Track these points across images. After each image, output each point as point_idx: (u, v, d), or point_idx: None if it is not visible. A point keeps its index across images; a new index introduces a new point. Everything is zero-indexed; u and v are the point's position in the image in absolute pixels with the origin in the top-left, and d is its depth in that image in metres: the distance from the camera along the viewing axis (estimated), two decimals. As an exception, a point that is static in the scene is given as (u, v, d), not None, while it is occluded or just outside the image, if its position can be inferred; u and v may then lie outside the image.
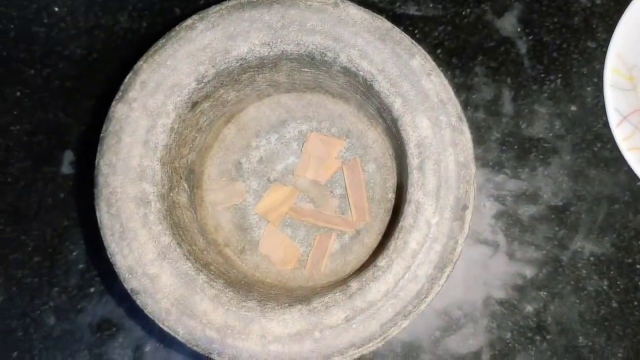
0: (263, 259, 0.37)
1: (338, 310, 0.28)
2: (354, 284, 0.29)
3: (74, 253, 0.41)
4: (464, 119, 0.29)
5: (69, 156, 0.41)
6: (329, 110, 0.37)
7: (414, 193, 0.29)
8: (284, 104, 0.38)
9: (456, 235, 0.28)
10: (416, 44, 0.29)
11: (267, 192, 0.37)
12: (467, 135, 0.29)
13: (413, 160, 0.29)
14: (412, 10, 0.41)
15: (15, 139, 0.41)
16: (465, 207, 0.28)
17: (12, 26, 0.42)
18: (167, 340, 0.40)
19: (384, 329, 0.28)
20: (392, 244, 0.29)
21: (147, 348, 0.40)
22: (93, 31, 0.42)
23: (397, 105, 0.29)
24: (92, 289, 0.41)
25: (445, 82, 0.29)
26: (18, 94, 0.41)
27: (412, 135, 0.29)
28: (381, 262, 0.29)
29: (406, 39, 0.29)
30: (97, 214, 0.30)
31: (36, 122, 0.41)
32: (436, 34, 0.41)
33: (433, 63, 0.29)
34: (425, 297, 0.28)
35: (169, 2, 0.42)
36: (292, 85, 0.36)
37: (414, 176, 0.29)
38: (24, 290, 0.40)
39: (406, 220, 0.29)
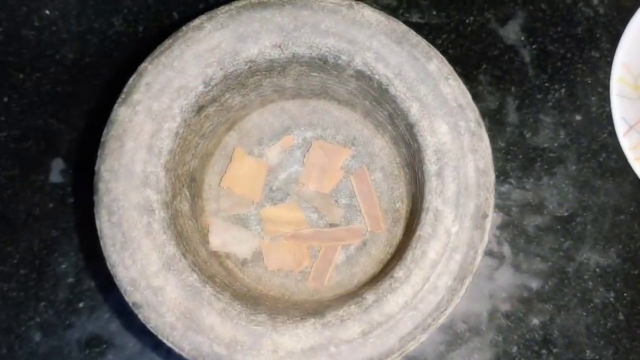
0: (265, 271, 0.35)
1: (354, 324, 0.27)
2: (370, 296, 0.27)
3: (63, 266, 0.39)
4: (483, 124, 0.28)
5: (58, 164, 0.39)
6: (334, 117, 0.36)
7: (432, 201, 0.28)
8: (287, 111, 0.36)
9: (476, 245, 0.27)
10: (433, 47, 0.29)
11: (280, 205, 0.36)
12: (486, 142, 0.28)
13: (431, 167, 0.28)
14: (416, 18, 0.40)
15: (3, 146, 0.39)
16: (485, 215, 0.27)
17: (1, 29, 0.40)
18: (159, 358, 0.38)
19: (403, 343, 0.27)
20: (410, 254, 0.28)
21: (140, 366, 0.38)
22: (86, 35, 0.40)
23: (414, 110, 0.28)
24: (81, 304, 0.39)
25: (463, 86, 0.28)
26: (6, 99, 0.39)
27: (430, 141, 0.28)
28: (398, 273, 0.27)
29: (423, 42, 0.28)
30: (97, 223, 0.28)
31: (25, 128, 0.39)
32: (440, 42, 0.40)
33: (450, 67, 0.29)
34: (445, 310, 0.27)
35: (165, 6, 0.40)
36: (298, 91, 0.35)
37: (432, 183, 0.28)
38: (9, 304, 0.38)
39: (424, 229, 0.28)
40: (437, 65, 0.28)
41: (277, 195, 0.36)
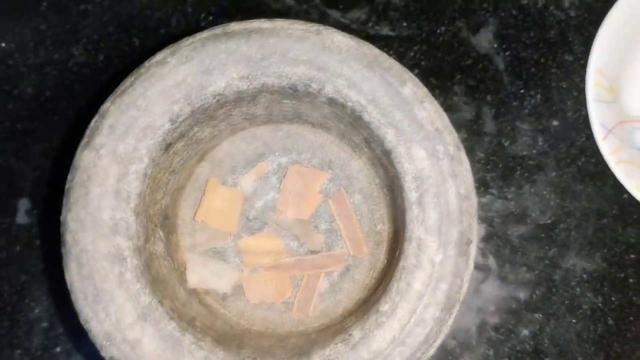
0: (247, 304, 0.34)
1: (342, 364, 0.26)
2: (357, 333, 0.26)
3: (36, 310, 0.37)
4: (462, 147, 0.27)
5: (24, 204, 0.38)
6: (308, 140, 0.35)
7: (415, 229, 0.27)
8: (260, 137, 0.35)
9: (462, 273, 0.27)
10: (407, 70, 0.28)
11: (258, 235, 0.34)
12: (466, 165, 0.27)
13: (411, 195, 0.27)
14: (386, 31, 0.39)
15: (-37, 189, 0.37)
16: (469, 242, 0.27)
17: (-47, 65, 0.38)
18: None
19: (394, 380, 0.26)
20: (395, 286, 0.27)
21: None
22: (44, 67, 0.38)
23: (389, 137, 0.27)
24: (58, 349, 0.37)
25: (440, 109, 0.27)
26: (-37, 139, 0.38)
27: (409, 168, 0.27)
28: (384, 306, 0.27)
29: (396, 65, 0.27)
30: (67, 276, 0.26)
31: (-16, 169, 0.38)
32: (412, 54, 0.39)
33: (425, 89, 0.28)
34: (434, 342, 0.26)
35: (126, 33, 0.39)
36: (269, 117, 0.33)
37: (413, 211, 0.27)
38: (-19, 356, 0.37)
39: (408, 260, 0.27)
40: (412, 88, 0.27)
41: (254, 224, 0.35)
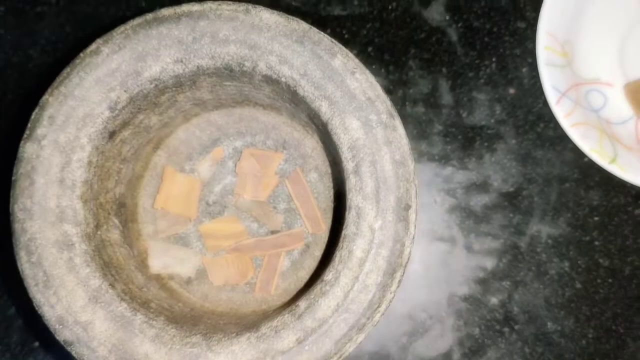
0: (211, 287, 0.35)
1: (288, 333, 0.26)
2: (302, 303, 0.27)
3: (13, 307, 0.38)
4: (396, 114, 0.28)
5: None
6: (261, 122, 0.36)
7: (353, 198, 0.27)
8: (213, 122, 0.36)
9: (402, 238, 0.27)
10: (336, 42, 0.28)
11: (218, 219, 0.35)
12: (400, 132, 0.27)
13: (348, 165, 0.27)
14: (337, 11, 0.40)
15: None
16: (407, 207, 0.27)
17: None
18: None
19: (339, 346, 0.26)
20: (337, 255, 0.27)
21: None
22: (5, 70, 0.39)
23: (324, 109, 0.28)
24: (36, 343, 0.38)
25: (372, 78, 0.28)
26: None
27: (344, 138, 0.27)
28: (328, 275, 0.27)
29: (325, 39, 0.28)
30: (18, 264, 0.27)
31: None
32: (365, 32, 0.40)
33: (357, 60, 0.28)
34: (379, 307, 0.27)
35: (83, 31, 0.40)
36: (219, 101, 0.34)
37: (351, 181, 0.27)
38: (-40, 354, 0.38)
39: (349, 228, 0.27)
40: (342, 60, 0.28)
41: (214, 209, 0.36)
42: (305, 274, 0.35)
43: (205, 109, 0.35)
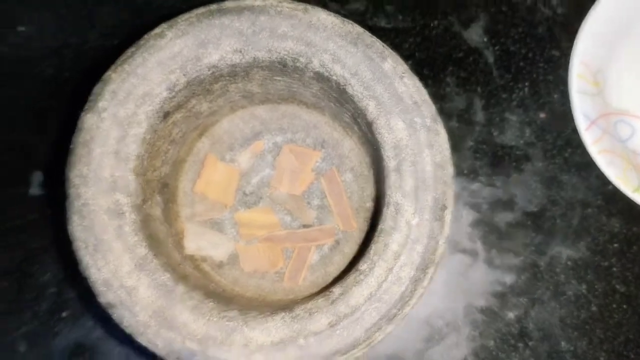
0: (241, 273, 0.36)
1: (321, 317, 0.28)
2: (337, 290, 0.28)
3: (45, 276, 0.39)
4: (439, 120, 0.29)
5: (38, 177, 0.40)
6: (303, 120, 0.37)
7: (393, 195, 0.28)
8: (258, 116, 0.37)
9: (437, 236, 0.28)
10: (387, 47, 0.30)
11: (253, 209, 0.36)
12: (443, 136, 0.29)
13: (390, 163, 0.29)
14: (383, 23, 0.42)
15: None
16: (444, 207, 0.28)
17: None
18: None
19: (369, 334, 0.27)
20: (373, 247, 0.28)
21: (122, 373, 0.39)
22: (62, 50, 0.41)
23: (371, 108, 0.29)
24: (64, 313, 0.39)
25: (419, 84, 0.29)
26: (-16, 115, 0.41)
27: (388, 138, 0.29)
28: (363, 265, 0.28)
29: (377, 43, 0.30)
30: (69, 227, 0.29)
31: (3, 142, 0.40)
32: (407, 45, 0.41)
33: (405, 66, 0.30)
34: (409, 300, 0.28)
35: (140, 19, 0.42)
36: (266, 96, 0.36)
37: (391, 178, 0.29)
38: (-9, 316, 0.39)
39: (386, 223, 0.28)
40: (392, 64, 0.29)
41: (250, 199, 0.37)
42: (333, 269, 0.36)
43: (251, 103, 0.36)
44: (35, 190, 0.40)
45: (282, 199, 0.37)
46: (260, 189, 0.37)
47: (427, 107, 0.29)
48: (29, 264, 0.39)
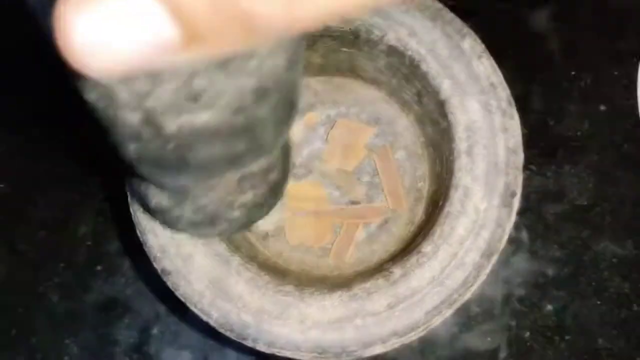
0: (286, 245, 0.36)
1: (380, 297, 0.27)
2: (397, 270, 0.28)
3: (83, 229, 0.39)
4: (514, 103, 0.28)
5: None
6: (359, 95, 0.36)
7: (462, 178, 0.28)
8: (312, 87, 0.36)
9: (504, 223, 0.27)
10: (466, 25, 0.29)
11: (303, 182, 0.36)
12: (516, 121, 0.28)
13: (461, 145, 0.28)
14: (449, 1, 0.40)
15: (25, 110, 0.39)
16: (513, 194, 0.28)
17: None
18: (174, 324, 0.38)
19: (428, 318, 0.27)
20: (438, 230, 0.28)
21: (154, 331, 0.38)
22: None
23: (445, 87, 0.28)
24: (99, 267, 0.39)
25: (495, 65, 0.28)
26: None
27: (461, 119, 0.28)
28: (426, 248, 0.28)
29: (457, 20, 0.29)
30: (128, 191, 0.28)
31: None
32: (469, 24, 0.40)
33: (483, 46, 0.29)
34: (472, 286, 0.27)
35: None
36: (323, 67, 0.35)
37: (461, 161, 0.28)
38: (27, 264, 0.38)
39: (453, 206, 0.28)
40: (470, 43, 0.28)
41: (299, 171, 0.37)
42: (379, 248, 0.35)
43: (307, 73, 0.35)
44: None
45: (332, 174, 0.36)
46: (310, 161, 0.37)
47: (503, 89, 0.28)
48: (68, 215, 0.39)
